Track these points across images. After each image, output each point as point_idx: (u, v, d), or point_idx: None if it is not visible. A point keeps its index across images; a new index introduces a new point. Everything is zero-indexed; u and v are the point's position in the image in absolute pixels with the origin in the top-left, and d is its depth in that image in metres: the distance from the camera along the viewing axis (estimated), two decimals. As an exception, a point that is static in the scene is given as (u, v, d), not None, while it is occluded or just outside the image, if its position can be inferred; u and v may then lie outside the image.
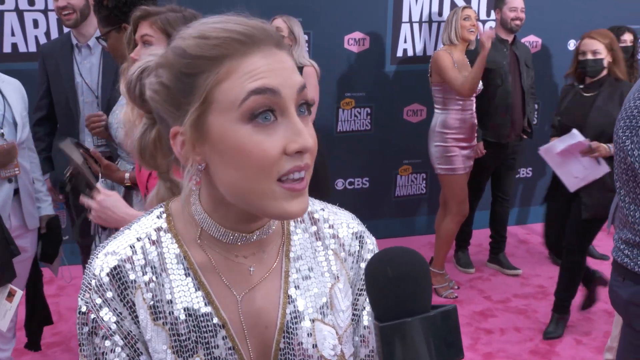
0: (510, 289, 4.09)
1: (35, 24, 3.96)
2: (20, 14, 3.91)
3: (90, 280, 0.84)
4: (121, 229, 0.90)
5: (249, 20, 0.80)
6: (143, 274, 0.85)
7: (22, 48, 3.97)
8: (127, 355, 0.84)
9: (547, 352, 3.31)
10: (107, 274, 0.84)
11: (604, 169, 3.14)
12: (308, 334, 0.88)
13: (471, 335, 3.47)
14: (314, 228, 0.94)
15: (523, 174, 5.28)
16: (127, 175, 2.30)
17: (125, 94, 0.90)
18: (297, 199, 0.78)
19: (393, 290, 0.69)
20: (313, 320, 0.89)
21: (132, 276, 0.84)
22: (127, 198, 2.41)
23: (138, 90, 0.86)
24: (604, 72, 3.25)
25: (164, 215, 0.89)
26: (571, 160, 3.16)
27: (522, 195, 5.34)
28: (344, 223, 0.96)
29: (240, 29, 0.77)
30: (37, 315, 2.75)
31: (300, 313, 0.89)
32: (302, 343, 0.88)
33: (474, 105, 3.85)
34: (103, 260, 0.85)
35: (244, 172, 0.76)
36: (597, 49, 3.21)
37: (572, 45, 5.14)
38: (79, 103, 3.01)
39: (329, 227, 0.95)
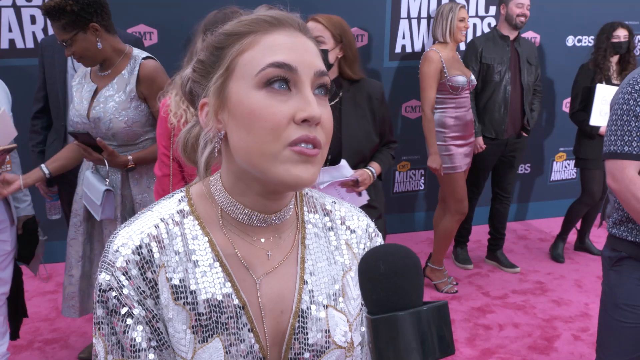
0: (508, 285, 4.10)
1: (33, 19, 3.95)
2: (17, 9, 3.91)
3: (114, 257, 0.84)
4: (141, 211, 0.91)
5: (283, 11, 0.86)
6: (167, 254, 0.86)
7: (19, 44, 3.97)
8: (148, 334, 0.84)
9: (545, 347, 3.31)
10: (133, 252, 0.84)
11: (364, 198, 2.49)
12: (321, 320, 0.90)
13: (469, 331, 3.47)
14: (327, 219, 0.98)
15: (521, 170, 5.29)
16: (129, 157, 2.43)
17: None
18: (305, 164, 0.79)
19: (385, 284, 0.69)
20: (326, 307, 0.92)
21: (157, 255, 0.85)
22: (124, 181, 2.46)
23: (189, 87, 0.91)
24: (336, 72, 2.41)
25: (186, 199, 0.91)
26: (328, 191, 2.42)
27: (520, 191, 5.34)
28: (354, 216, 1.00)
29: (270, 13, 0.84)
30: (18, 309, 2.76)
31: (315, 299, 0.91)
32: (315, 328, 0.90)
33: (469, 100, 3.85)
34: (128, 238, 0.85)
35: (254, 134, 0.79)
36: (322, 35, 2.34)
37: (570, 41, 5.14)
38: (69, 96, 3.03)
39: (341, 218, 0.99)
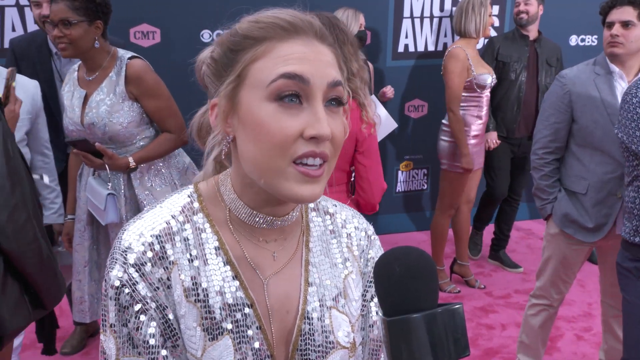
0: (511, 285, 4.10)
1: (36, 19, 3.95)
2: (20, 9, 3.91)
3: (125, 253, 0.83)
4: (149, 206, 0.90)
5: (301, 13, 0.84)
6: (179, 250, 0.86)
7: (22, 43, 3.96)
8: (161, 330, 0.85)
9: (548, 347, 3.31)
10: (146, 248, 0.84)
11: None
12: (326, 321, 0.92)
13: (472, 331, 3.48)
14: (329, 221, 0.99)
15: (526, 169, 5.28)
16: (130, 159, 2.40)
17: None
18: (309, 184, 0.80)
19: (400, 287, 0.70)
20: (330, 308, 0.93)
21: (169, 251, 0.85)
22: (127, 182, 2.46)
23: (204, 72, 0.91)
24: None
25: (195, 196, 0.91)
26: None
27: (524, 191, 5.33)
28: (355, 218, 1.02)
29: (287, 18, 0.82)
30: (47, 321, 2.76)
31: (319, 300, 0.92)
32: (320, 329, 0.91)
33: (489, 99, 3.79)
34: (139, 234, 0.84)
35: (262, 147, 0.79)
36: None
37: (573, 40, 5.13)
38: (61, 105, 2.98)
39: (342, 221, 1.00)
